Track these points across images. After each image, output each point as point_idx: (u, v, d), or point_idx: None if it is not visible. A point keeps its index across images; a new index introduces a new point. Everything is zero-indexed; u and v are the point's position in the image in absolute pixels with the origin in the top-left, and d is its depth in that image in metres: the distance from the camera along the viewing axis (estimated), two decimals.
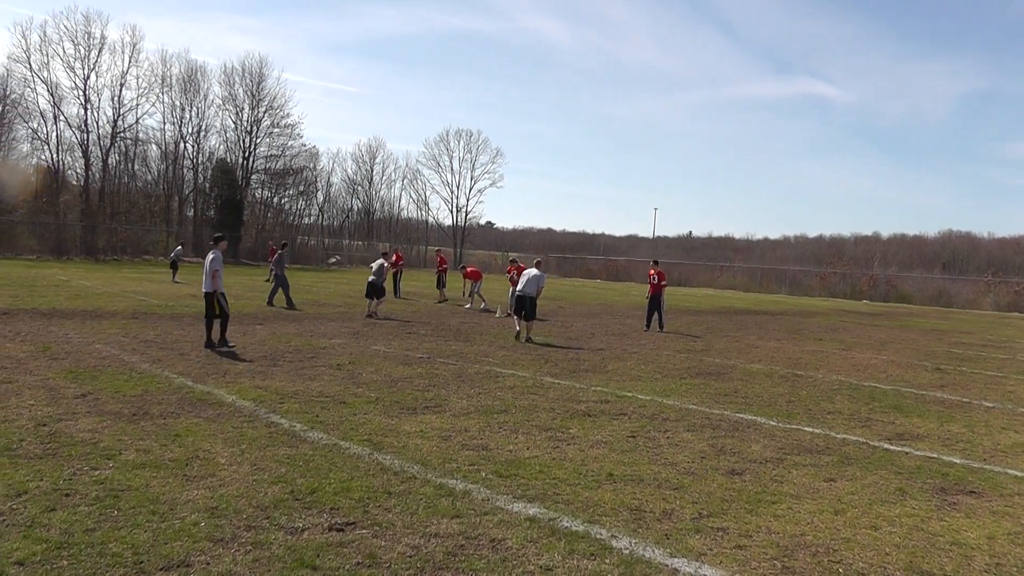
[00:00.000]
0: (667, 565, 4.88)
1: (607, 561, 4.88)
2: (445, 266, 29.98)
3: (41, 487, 5.76)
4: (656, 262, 22.95)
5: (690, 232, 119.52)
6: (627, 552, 5.04)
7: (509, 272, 24.94)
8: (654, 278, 21.97)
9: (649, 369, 13.78)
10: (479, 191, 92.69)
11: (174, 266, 33.08)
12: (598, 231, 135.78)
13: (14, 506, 5.34)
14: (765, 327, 25.88)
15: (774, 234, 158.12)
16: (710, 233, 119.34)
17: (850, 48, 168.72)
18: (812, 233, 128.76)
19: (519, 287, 17.81)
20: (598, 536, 5.30)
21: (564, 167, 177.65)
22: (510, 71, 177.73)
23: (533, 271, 17.88)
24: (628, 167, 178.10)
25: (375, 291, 21.17)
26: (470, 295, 26.91)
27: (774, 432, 9.05)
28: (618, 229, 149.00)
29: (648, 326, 21.74)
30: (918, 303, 56.70)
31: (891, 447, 8.61)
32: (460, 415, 9.07)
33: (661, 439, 8.36)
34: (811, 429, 9.32)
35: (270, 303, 22.98)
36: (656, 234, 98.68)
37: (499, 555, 4.89)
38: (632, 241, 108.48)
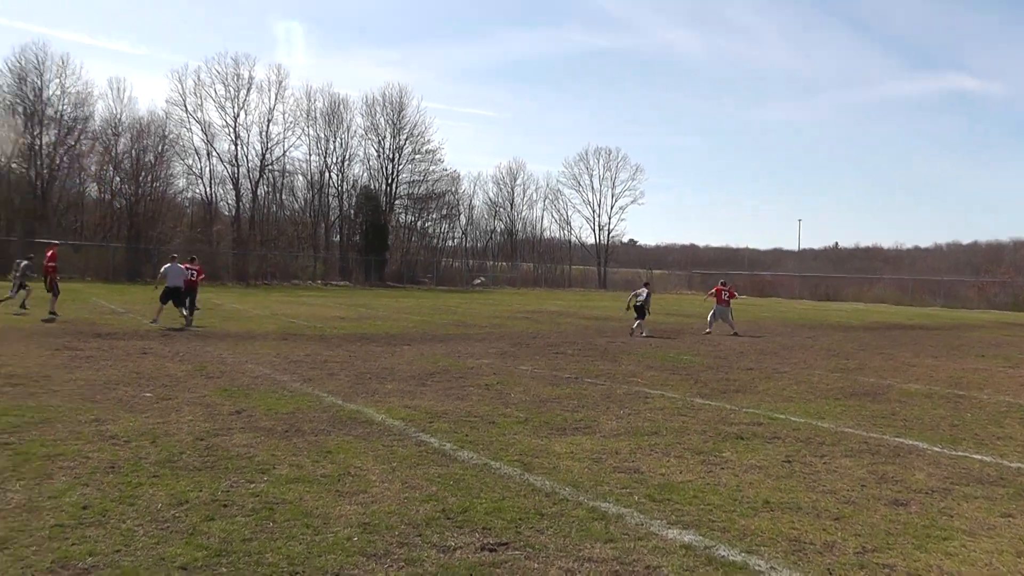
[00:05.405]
0: None
1: None
2: (54, 264, 24.14)
3: (201, 497, 6.07)
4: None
5: (836, 243, 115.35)
6: None
7: (717, 292, 25.52)
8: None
9: (801, 389, 13.37)
10: (620, 208, 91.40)
11: (22, 285, 23.63)
12: (741, 245, 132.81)
13: (176, 514, 5.65)
14: (920, 343, 24.68)
15: (924, 242, 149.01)
16: (857, 244, 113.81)
17: (996, 36, 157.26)
18: (966, 240, 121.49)
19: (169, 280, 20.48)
20: (757, 567, 5.12)
21: (704, 180, 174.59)
22: (646, 86, 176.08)
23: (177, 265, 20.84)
24: (769, 177, 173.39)
25: (639, 312, 23.55)
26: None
27: (938, 459, 8.56)
28: (762, 243, 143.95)
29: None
30: None
31: None
32: (610, 436, 9.01)
33: (818, 464, 8.06)
34: (980, 456, 8.77)
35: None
36: (801, 246, 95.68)
37: None
38: (777, 255, 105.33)
